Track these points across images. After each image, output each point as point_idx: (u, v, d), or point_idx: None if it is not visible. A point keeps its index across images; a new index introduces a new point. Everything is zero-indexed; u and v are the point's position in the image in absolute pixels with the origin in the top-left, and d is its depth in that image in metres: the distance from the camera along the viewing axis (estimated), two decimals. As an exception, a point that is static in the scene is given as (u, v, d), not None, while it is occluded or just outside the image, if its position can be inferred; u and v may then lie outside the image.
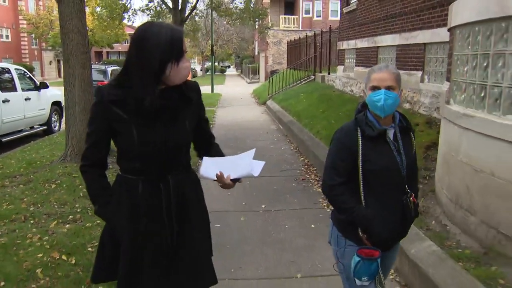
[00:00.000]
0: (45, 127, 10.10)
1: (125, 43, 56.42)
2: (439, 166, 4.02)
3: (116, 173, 1.92)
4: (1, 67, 8.67)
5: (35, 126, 9.75)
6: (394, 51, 8.52)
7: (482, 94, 3.16)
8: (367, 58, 10.14)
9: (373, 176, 1.88)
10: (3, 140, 8.20)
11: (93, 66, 18.16)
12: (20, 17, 35.57)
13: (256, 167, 1.78)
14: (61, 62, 38.76)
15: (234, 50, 50.44)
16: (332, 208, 2.08)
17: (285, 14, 35.29)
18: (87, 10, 36.64)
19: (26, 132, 9.25)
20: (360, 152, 1.87)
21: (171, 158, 1.76)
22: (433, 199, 4.05)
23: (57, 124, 10.80)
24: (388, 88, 1.82)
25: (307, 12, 35.00)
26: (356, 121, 1.92)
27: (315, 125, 8.22)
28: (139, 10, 17.99)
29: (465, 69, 3.39)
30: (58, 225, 3.95)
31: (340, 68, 12.78)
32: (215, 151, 1.95)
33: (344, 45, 12.21)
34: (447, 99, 3.75)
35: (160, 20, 19.02)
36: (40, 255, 3.31)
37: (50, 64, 40.70)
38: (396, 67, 1.99)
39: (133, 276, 1.77)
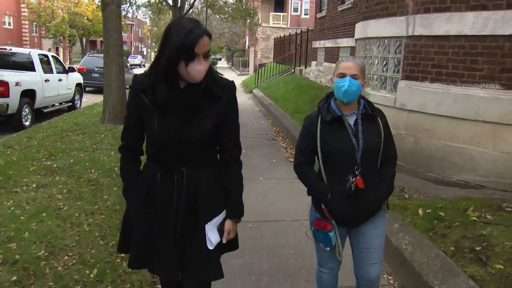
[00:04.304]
0: (70, 103, 12.26)
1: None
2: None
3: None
4: (43, 54, 10.97)
5: (62, 103, 11.87)
6: (349, 51, 11.06)
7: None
8: (332, 55, 12.68)
9: (332, 158, 2.06)
10: (44, 111, 10.54)
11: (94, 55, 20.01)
12: (23, 5, 37.33)
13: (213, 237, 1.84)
14: (60, 49, 39.82)
15: (226, 43, 52.10)
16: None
17: (275, 11, 36.63)
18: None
19: (57, 107, 11.43)
20: (319, 136, 2.06)
21: (185, 152, 1.77)
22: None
23: (79, 102, 13.02)
24: (353, 76, 1.98)
25: (296, 10, 36.42)
26: (318, 109, 2.12)
27: (286, 105, 10.78)
28: (142, 6, 20.11)
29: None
30: (116, 154, 6.40)
31: (313, 63, 15.32)
32: (228, 176, 1.93)
33: (317, 44, 14.75)
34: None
35: (160, 15, 21.19)
36: (113, 164, 5.78)
37: (49, 51, 42.28)
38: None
39: (141, 257, 1.87)
